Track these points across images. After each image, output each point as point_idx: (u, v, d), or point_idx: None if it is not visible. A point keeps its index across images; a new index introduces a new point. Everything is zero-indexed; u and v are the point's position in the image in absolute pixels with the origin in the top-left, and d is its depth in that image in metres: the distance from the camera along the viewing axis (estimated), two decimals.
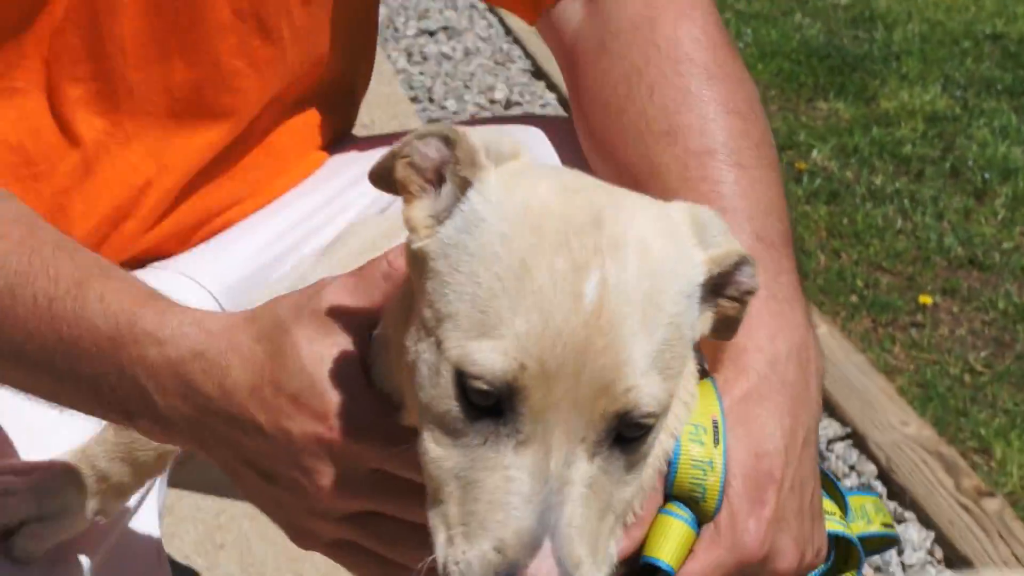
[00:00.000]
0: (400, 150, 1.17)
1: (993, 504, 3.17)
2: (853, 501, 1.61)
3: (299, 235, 1.90)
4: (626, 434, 1.11)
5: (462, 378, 1.09)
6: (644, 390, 1.09)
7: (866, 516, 1.60)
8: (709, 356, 1.45)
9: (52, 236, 1.46)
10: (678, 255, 1.16)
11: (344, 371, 1.27)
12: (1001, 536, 3.05)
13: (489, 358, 1.08)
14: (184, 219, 1.87)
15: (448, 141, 1.16)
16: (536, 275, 1.08)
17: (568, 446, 1.09)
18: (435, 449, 1.13)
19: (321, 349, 1.28)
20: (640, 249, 1.11)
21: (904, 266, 4.19)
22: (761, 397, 1.44)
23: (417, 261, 1.18)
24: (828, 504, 1.52)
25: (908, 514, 3.14)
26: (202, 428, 1.34)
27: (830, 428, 3.49)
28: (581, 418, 1.09)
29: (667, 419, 1.23)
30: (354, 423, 1.26)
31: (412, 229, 1.18)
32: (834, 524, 1.50)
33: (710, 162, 1.58)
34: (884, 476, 3.26)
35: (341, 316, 1.28)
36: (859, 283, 4.07)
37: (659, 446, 1.30)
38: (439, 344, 1.12)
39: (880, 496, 3.19)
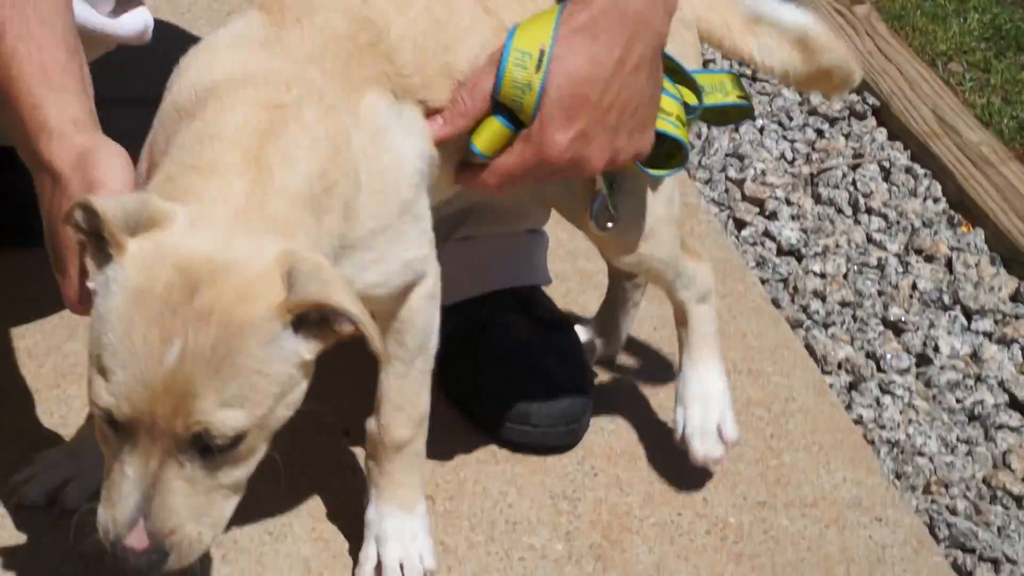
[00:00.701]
0: (67, 214, 1.35)
1: (862, 9, 3.56)
2: (712, 78, 1.82)
3: None
4: (215, 446, 1.33)
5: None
6: (213, 423, 1.31)
7: (724, 89, 1.82)
8: None
9: None
10: (255, 315, 1.31)
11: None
12: (868, 34, 3.47)
13: (99, 393, 1.32)
14: None
15: (93, 214, 1.33)
16: (134, 342, 1.30)
17: (161, 456, 1.33)
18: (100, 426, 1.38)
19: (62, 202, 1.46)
20: (221, 318, 1.30)
21: None
22: (597, 28, 1.56)
23: None
24: (669, 103, 1.72)
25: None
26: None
27: None
28: (169, 438, 1.32)
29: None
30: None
31: (86, 269, 1.38)
32: (665, 124, 1.71)
33: None
34: None
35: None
36: None
37: (483, 52, 1.59)
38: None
39: None
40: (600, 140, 1.59)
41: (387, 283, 1.56)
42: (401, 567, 1.69)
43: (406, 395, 1.67)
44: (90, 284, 1.37)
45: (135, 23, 1.88)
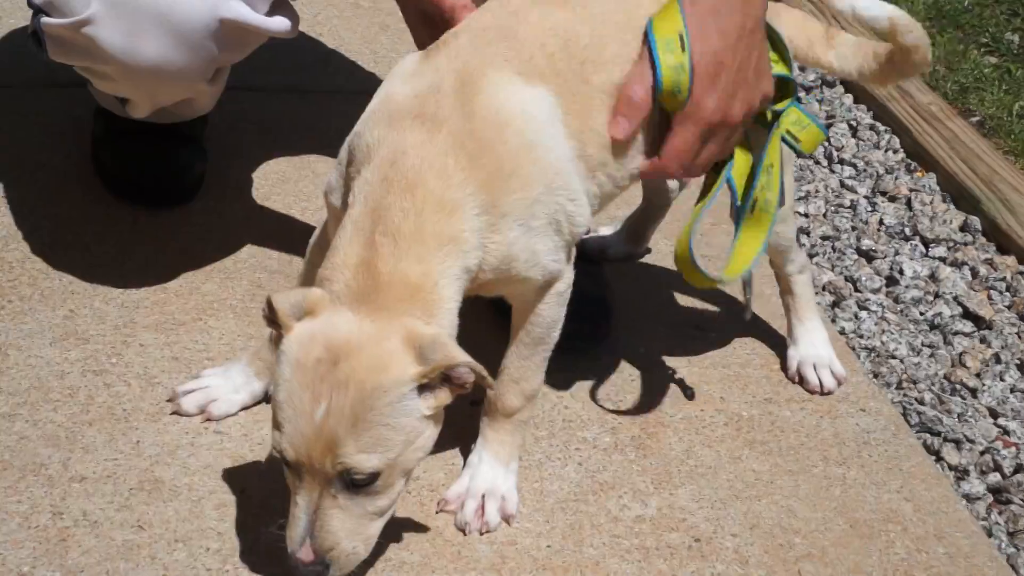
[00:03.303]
0: (264, 310, 1.42)
1: None
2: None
3: None
4: (356, 481, 1.38)
5: None
6: (351, 464, 1.35)
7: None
8: None
9: None
10: (387, 381, 1.35)
11: None
12: (833, 18, 3.44)
13: (276, 441, 1.38)
14: None
15: (271, 308, 1.40)
16: (294, 403, 1.35)
17: (320, 489, 1.38)
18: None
19: None
20: (357, 384, 1.34)
21: None
22: (718, 5, 1.55)
23: None
24: (772, 55, 1.67)
25: None
26: None
27: None
28: (323, 476, 1.37)
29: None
30: None
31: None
32: (777, 68, 1.67)
33: None
34: None
35: None
36: None
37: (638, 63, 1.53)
38: None
39: None
40: (740, 94, 1.57)
41: (534, 257, 1.52)
42: (484, 499, 1.67)
43: (523, 372, 1.65)
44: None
45: (285, 21, 1.87)
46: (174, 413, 1.75)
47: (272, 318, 1.41)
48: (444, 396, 1.41)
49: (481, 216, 1.44)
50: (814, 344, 2.01)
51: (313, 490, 1.39)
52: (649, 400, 1.93)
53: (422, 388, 1.39)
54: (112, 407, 1.75)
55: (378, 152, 1.44)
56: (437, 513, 1.67)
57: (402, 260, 1.40)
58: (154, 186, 2.16)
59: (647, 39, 1.54)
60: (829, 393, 2.00)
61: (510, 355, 1.65)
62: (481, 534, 1.65)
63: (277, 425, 1.38)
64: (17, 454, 1.65)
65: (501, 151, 1.45)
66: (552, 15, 1.54)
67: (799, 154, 1.74)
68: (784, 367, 2.04)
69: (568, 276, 1.61)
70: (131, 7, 1.71)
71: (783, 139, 1.71)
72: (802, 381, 2.01)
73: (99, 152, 2.19)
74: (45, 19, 1.76)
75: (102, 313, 1.92)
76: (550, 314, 1.62)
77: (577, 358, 1.97)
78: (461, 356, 1.38)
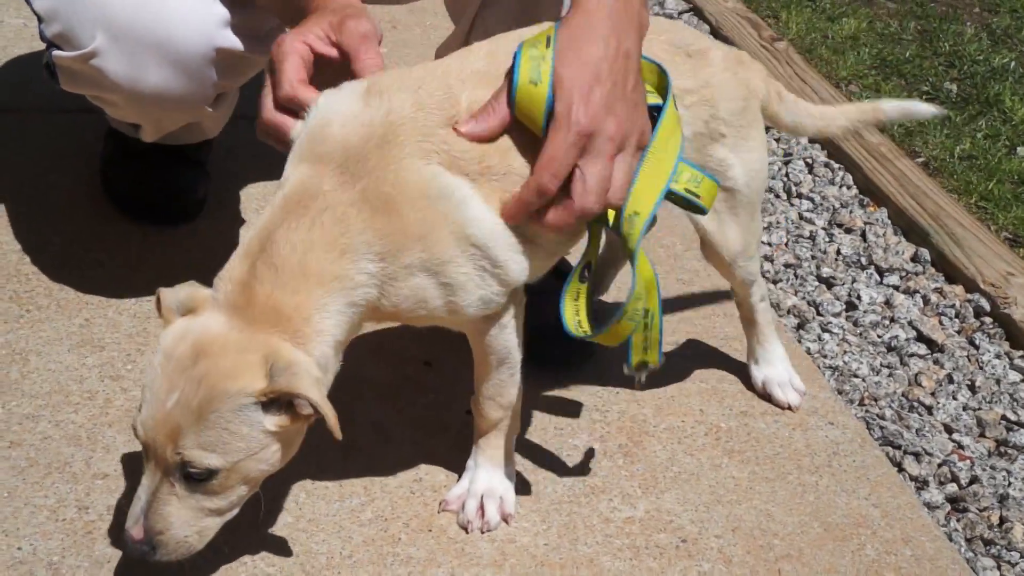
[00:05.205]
0: (155, 302, 1.45)
1: (781, 45, 3.60)
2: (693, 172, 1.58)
3: None
4: (193, 474, 1.39)
5: None
6: (188, 456, 1.37)
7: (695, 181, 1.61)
8: None
9: None
10: (232, 388, 1.36)
11: None
12: (787, 63, 3.51)
13: (134, 420, 1.40)
14: None
15: (158, 300, 1.44)
16: (154, 388, 1.38)
17: (159, 475, 1.39)
18: None
19: None
20: (208, 384, 1.35)
21: None
22: (590, 26, 1.47)
23: None
24: (649, 87, 1.57)
25: None
26: None
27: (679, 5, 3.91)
28: (164, 462, 1.38)
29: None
30: None
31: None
32: (652, 98, 1.56)
33: None
34: (715, 33, 3.67)
35: None
36: None
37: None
38: None
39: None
40: (615, 110, 1.46)
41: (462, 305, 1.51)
42: (483, 500, 1.70)
43: (496, 389, 1.66)
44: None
45: None
46: None
47: (159, 311, 1.44)
48: (286, 420, 1.40)
49: (378, 263, 1.44)
50: (773, 364, 2.06)
51: (156, 473, 1.40)
52: (633, 410, 1.97)
53: (270, 404, 1.39)
54: (129, 409, 1.76)
55: (292, 180, 1.44)
56: (439, 512, 1.69)
57: (277, 289, 1.40)
58: (159, 205, 2.17)
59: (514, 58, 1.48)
60: (796, 409, 2.06)
61: (478, 375, 1.67)
62: (482, 532, 1.68)
63: (140, 406, 1.40)
64: (42, 452, 1.66)
65: (411, 217, 1.43)
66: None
67: (701, 211, 1.58)
68: (750, 385, 2.09)
69: (511, 310, 1.60)
70: (133, 39, 1.74)
71: (684, 198, 1.56)
72: (769, 398, 2.06)
73: (108, 171, 2.21)
74: (56, 52, 1.78)
75: (116, 322, 1.93)
76: (500, 343, 1.62)
77: (565, 374, 2.02)
78: (304, 387, 1.37)
